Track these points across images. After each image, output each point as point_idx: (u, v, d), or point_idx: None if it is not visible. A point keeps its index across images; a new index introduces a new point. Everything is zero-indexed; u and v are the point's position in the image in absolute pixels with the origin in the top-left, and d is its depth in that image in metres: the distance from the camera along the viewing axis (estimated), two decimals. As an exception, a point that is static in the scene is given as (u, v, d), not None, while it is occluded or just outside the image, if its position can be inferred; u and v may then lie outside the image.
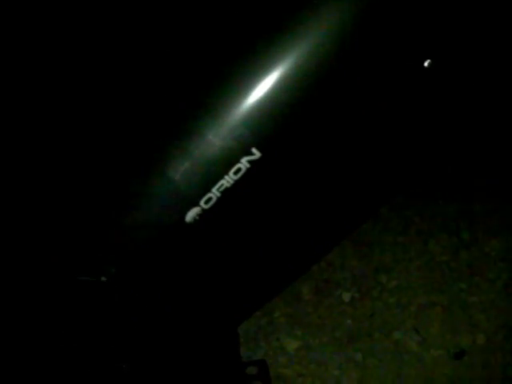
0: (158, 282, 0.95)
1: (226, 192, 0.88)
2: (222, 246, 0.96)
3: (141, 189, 0.91)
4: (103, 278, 0.94)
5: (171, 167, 0.88)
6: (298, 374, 1.61)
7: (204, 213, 0.89)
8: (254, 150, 0.86)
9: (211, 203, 0.88)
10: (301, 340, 1.70)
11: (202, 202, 0.88)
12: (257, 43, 0.88)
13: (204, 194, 0.88)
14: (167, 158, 0.89)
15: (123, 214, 0.92)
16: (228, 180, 0.87)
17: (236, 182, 0.87)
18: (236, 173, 0.87)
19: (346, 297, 1.81)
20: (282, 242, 1.14)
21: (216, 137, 0.87)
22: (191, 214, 0.88)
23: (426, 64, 0.93)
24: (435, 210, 2.07)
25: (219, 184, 0.87)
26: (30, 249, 1.04)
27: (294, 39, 0.86)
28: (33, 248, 1.03)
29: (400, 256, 1.93)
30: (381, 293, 1.81)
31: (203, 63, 0.92)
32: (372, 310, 1.77)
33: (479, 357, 1.64)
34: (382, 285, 1.84)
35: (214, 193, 0.88)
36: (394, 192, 1.93)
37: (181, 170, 0.88)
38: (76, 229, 0.98)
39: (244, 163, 0.86)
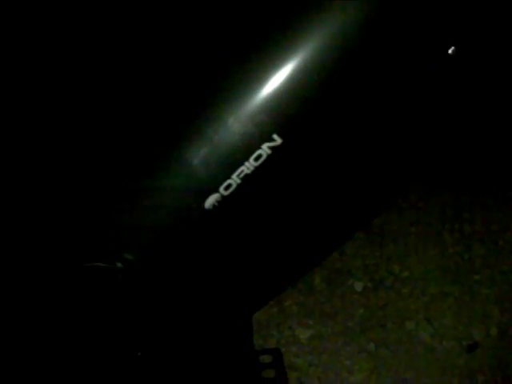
0: (175, 269, 0.94)
1: (246, 179, 0.86)
2: (240, 233, 0.95)
3: (159, 174, 0.89)
4: (119, 265, 0.93)
5: (190, 152, 0.87)
6: (309, 364, 1.60)
7: (223, 199, 0.87)
8: (275, 136, 0.85)
9: (231, 190, 0.87)
10: (313, 329, 1.68)
11: (221, 189, 0.87)
12: (277, 28, 0.86)
13: (224, 181, 0.86)
14: (186, 143, 0.88)
15: (140, 200, 0.91)
16: (248, 166, 0.86)
17: (256, 169, 0.86)
18: (257, 159, 0.86)
19: (359, 286, 1.79)
20: (298, 231, 1.13)
21: (236, 122, 0.85)
22: (210, 201, 0.87)
23: (450, 51, 0.91)
24: (449, 201, 2.05)
25: (239, 170, 0.86)
26: (39, 233, 1.03)
27: (315, 23, 0.84)
28: (43, 233, 1.02)
29: (413, 246, 1.91)
30: (393, 283, 1.80)
31: (224, 49, 0.90)
32: (385, 299, 1.76)
33: (492, 349, 1.63)
34: (394, 275, 1.82)
35: (234, 179, 0.86)
36: (407, 182, 1.91)
37: (200, 156, 0.87)
38: (90, 213, 0.97)
39: (265, 149, 0.85)
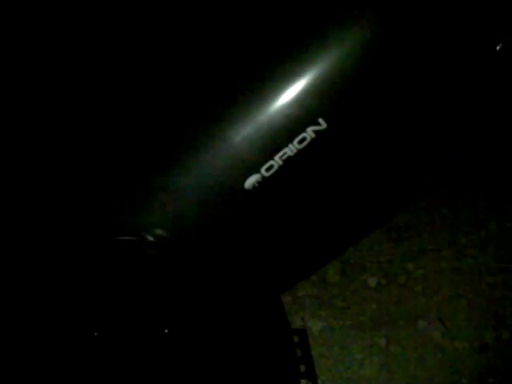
0: (209, 248, 0.94)
1: (288, 161, 0.86)
2: (277, 215, 0.94)
3: (200, 151, 0.89)
4: (150, 238, 0.93)
5: (233, 131, 0.87)
6: (320, 355, 1.60)
7: (264, 180, 0.87)
8: (320, 121, 0.85)
9: (272, 171, 0.86)
10: (325, 321, 1.69)
11: (262, 170, 0.86)
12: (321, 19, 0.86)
13: (266, 161, 0.86)
14: (230, 122, 0.87)
15: (179, 175, 0.91)
16: (292, 149, 0.85)
17: (299, 152, 0.85)
18: (300, 142, 0.85)
19: (372, 281, 1.80)
20: (321, 220, 1.12)
21: (283, 104, 0.85)
22: (251, 181, 0.87)
23: (498, 48, 0.91)
24: (466, 204, 2.05)
25: (282, 152, 0.85)
26: (70, 207, 1.02)
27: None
28: (74, 207, 1.02)
29: (428, 245, 1.91)
30: (407, 280, 1.80)
31: (270, 34, 0.89)
32: (397, 296, 1.76)
33: (503, 352, 1.63)
34: (408, 272, 1.82)
35: (276, 161, 0.86)
36: (426, 183, 1.90)
37: (243, 135, 0.86)
38: (126, 188, 0.97)
39: (309, 133, 0.85)
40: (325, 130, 0.85)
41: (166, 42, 0.97)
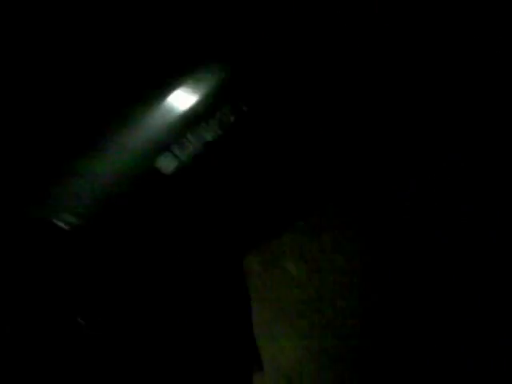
0: (127, 234, 0.90)
1: (206, 145, 0.84)
2: (196, 200, 0.92)
3: (109, 134, 0.85)
4: (62, 225, 0.89)
5: (147, 114, 0.84)
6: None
7: (181, 165, 0.85)
8: (239, 104, 0.83)
9: (191, 156, 0.84)
10: (249, 312, 1.69)
11: (178, 152, 0.84)
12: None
13: (183, 145, 0.84)
14: (145, 103, 0.84)
15: (91, 159, 0.87)
16: (209, 131, 0.83)
17: (219, 136, 0.84)
18: (216, 125, 0.83)
19: (294, 271, 1.81)
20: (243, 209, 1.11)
21: (198, 84, 0.83)
22: (163, 162, 0.84)
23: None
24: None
25: (198, 134, 0.83)
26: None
27: None
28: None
29: (349, 234, 1.93)
30: (328, 271, 1.82)
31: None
32: (319, 287, 1.78)
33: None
34: (329, 263, 1.84)
35: (194, 144, 0.84)
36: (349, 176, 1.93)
37: (153, 116, 0.83)
38: (36, 173, 0.92)
39: (227, 114, 0.83)
40: (244, 112, 0.84)
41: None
